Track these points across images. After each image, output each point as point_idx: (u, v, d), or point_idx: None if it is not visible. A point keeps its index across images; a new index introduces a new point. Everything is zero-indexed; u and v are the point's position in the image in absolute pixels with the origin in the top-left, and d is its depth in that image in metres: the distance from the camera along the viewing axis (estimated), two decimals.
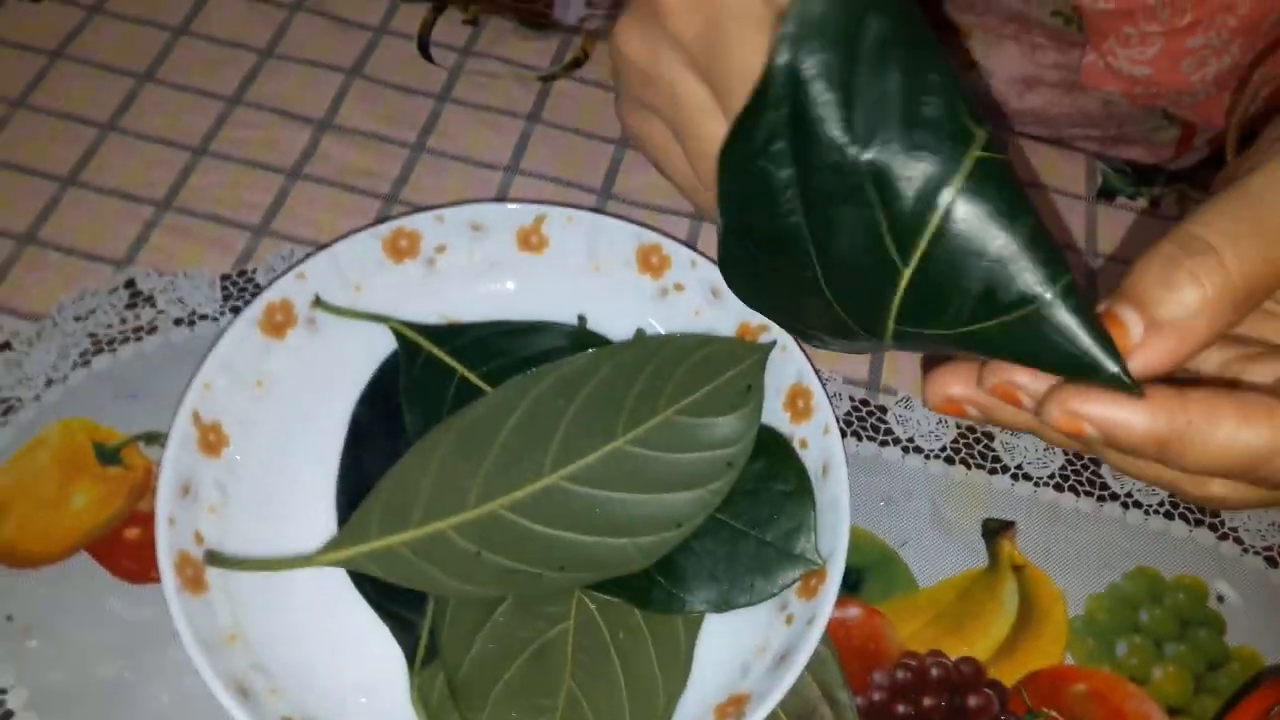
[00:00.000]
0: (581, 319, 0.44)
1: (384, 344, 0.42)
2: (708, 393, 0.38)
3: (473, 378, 0.41)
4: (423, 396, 0.40)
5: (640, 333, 0.44)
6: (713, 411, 0.38)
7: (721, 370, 0.39)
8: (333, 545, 0.36)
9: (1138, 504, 0.43)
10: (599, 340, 0.43)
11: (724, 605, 0.37)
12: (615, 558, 0.36)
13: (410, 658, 0.37)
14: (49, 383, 0.42)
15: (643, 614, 0.37)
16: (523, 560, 0.35)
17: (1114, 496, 0.43)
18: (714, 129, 0.31)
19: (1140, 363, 0.24)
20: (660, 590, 0.37)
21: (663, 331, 0.44)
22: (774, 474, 0.39)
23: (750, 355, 0.40)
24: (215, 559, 0.36)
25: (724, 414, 0.38)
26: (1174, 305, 0.23)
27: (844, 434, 0.43)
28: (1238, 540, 0.43)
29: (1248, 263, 0.23)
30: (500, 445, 0.37)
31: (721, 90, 0.30)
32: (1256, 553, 0.42)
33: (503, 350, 0.42)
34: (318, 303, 0.41)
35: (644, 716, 0.35)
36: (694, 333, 0.43)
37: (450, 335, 0.42)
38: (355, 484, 0.39)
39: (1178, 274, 0.23)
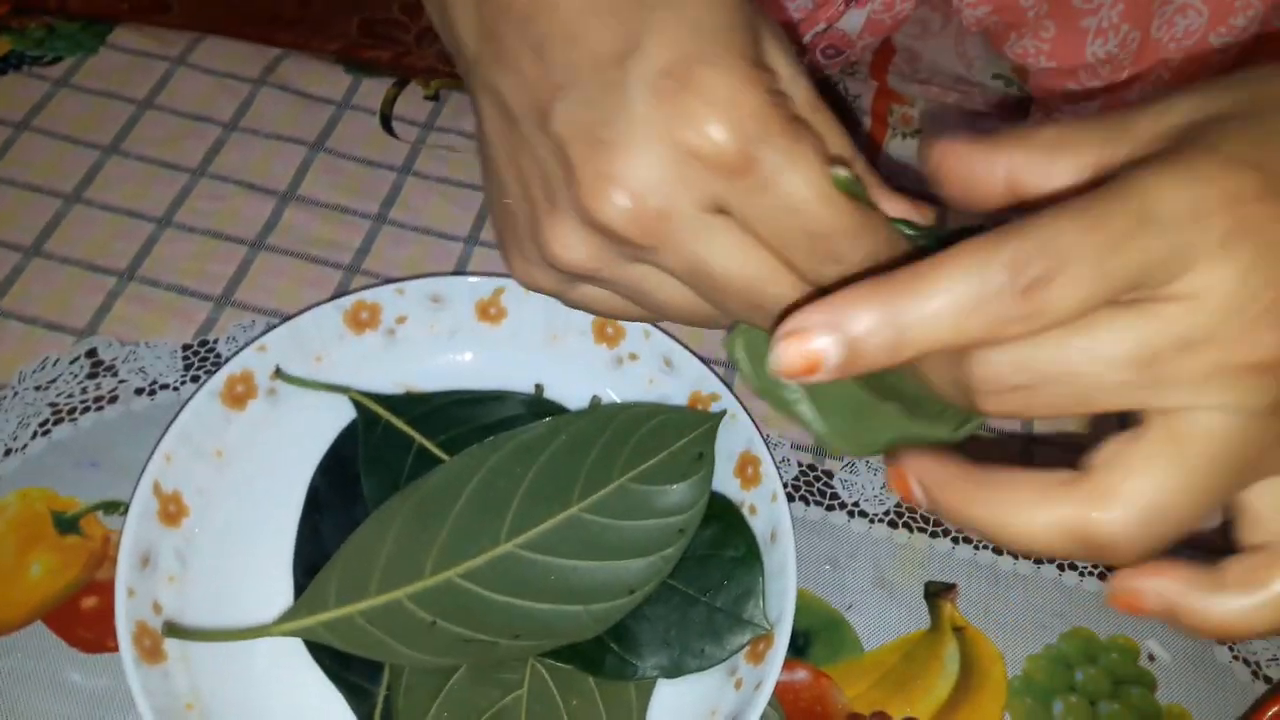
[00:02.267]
0: (539, 388, 0.45)
1: (343, 414, 0.43)
2: (660, 460, 0.40)
3: (431, 446, 0.42)
4: (381, 465, 0.41)
5: (596, 401, 0.45)
6: (665, 479, 0.39)
7: (674, 438, 0.40)
8: (290, 615, 0.36)
9: (1073, 566, 0.45)
10: (556, 409, 0.44)
11: (675, 671, 0.38)
12: (569, 624, 0.37)
13: None
14: (8, 452, 0.43)
15: (595, 680, 0.38)
16: (478, 628, 0.36)
17: (1051, 559, 0.45)
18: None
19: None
20: (613, 657, 0.38)
21: (618, 399, 0.45)
22: (724, 541, 0.40)
23: (702, 424, 0.41)
24: (173, 630, 0.37)
25: (676, 481, 0.39)
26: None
27: (791, 498, 0.45)
28: None
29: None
30: (457, 513, 0.38)
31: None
32: None
33: (461, 419, 0.43)
34: (278, 373, 0.42)
35: None
36: (648, 402, 0.44)
37: (409, 404, 0.43)
38: (313, 553, 0.40)
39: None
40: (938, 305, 0.21)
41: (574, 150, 0.27)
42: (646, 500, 0.39)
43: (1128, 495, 0.22)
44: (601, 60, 0.26)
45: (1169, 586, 0.24)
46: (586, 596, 0.37)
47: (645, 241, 0.27)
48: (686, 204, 0.26)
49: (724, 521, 0.41)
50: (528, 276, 0.31)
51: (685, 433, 0.41)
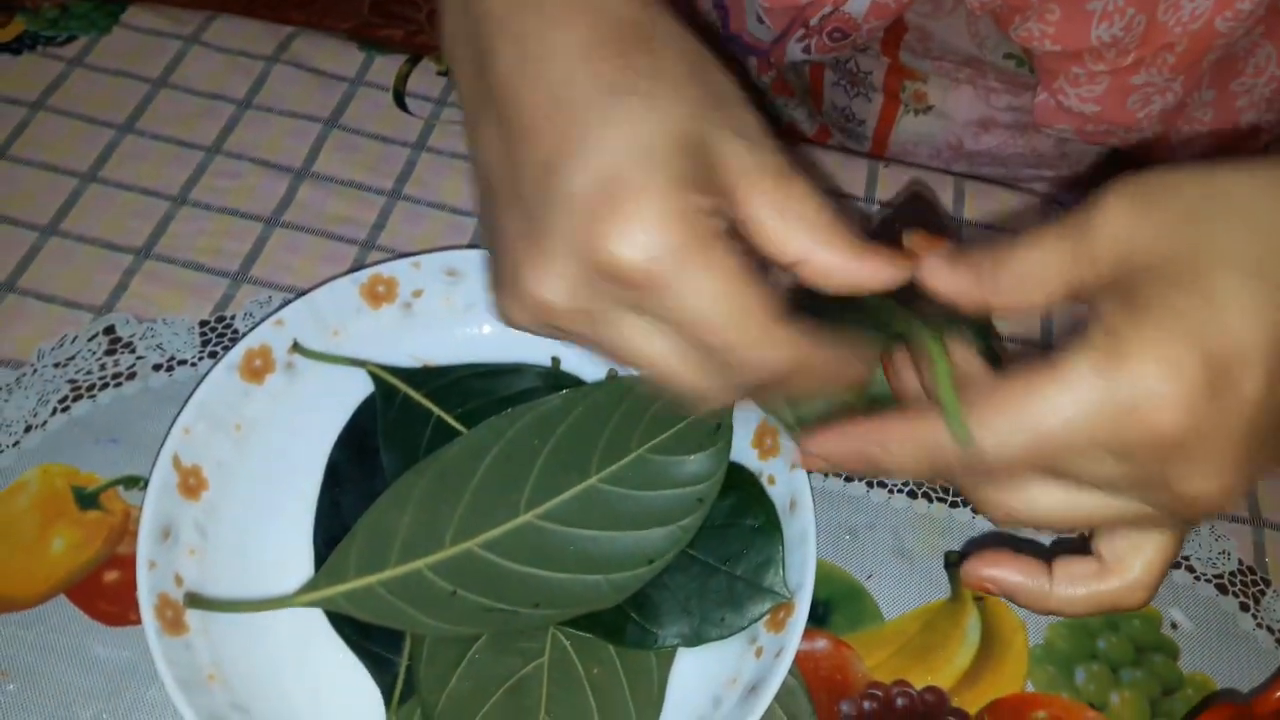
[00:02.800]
0: (556, 360, 0.45)
1: (361, 388, 0.43)
2: (678, 431, 0.40)
3: (449, 419, 0.42)
4: (400, 438, 0.41)
5: (613, 373, 0.45)
6: (683, 450, 0.39)
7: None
8: (310, 586, 0.37)
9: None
10: (573, 381, 0.44)
11: (695, 639, 0.38)
12: (589, 594, 0.37)
13: (387, 695, 0.37)
14: (28, 429, 0.43)
15: (616, 649, 0.38)
16: (498, 598, 0.36)
17: (1069, 537, 0.44)
18: None
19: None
20: (634, 626, 0.38)
21: (635, 370, 0.45)
22: (744, 510, 0.40)
23: None
24: (195, 601, 0.37)
25: (694, 452, 0.39)
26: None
27: (810, 470, 0.45)
28: (1190, 569, 0.44)
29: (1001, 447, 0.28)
30: (476, 485, 0.38)
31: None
32: (1208, 580, 0.44)
33: (478, 392, 0.43)
34: (296, 347, 0.42)
35: None
36: None
37: (427, 378, 0.43)
38: (333, 525, 0.40)
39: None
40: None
41: (509, 243, 0.29)
42: (665, 471, 0.39)
43: (1146, 581, 0.31)
44: (540, 165, 0.28)
45: (1010, 577, 0.32)
46: (606, 566, 0.37)
47: (569, 327, 0.29)
48: (601, 305, 0.28)
49: (743, 491, 0.41)
50: (502, 312, 0.32)
51: None
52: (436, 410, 0.42)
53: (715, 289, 0.27)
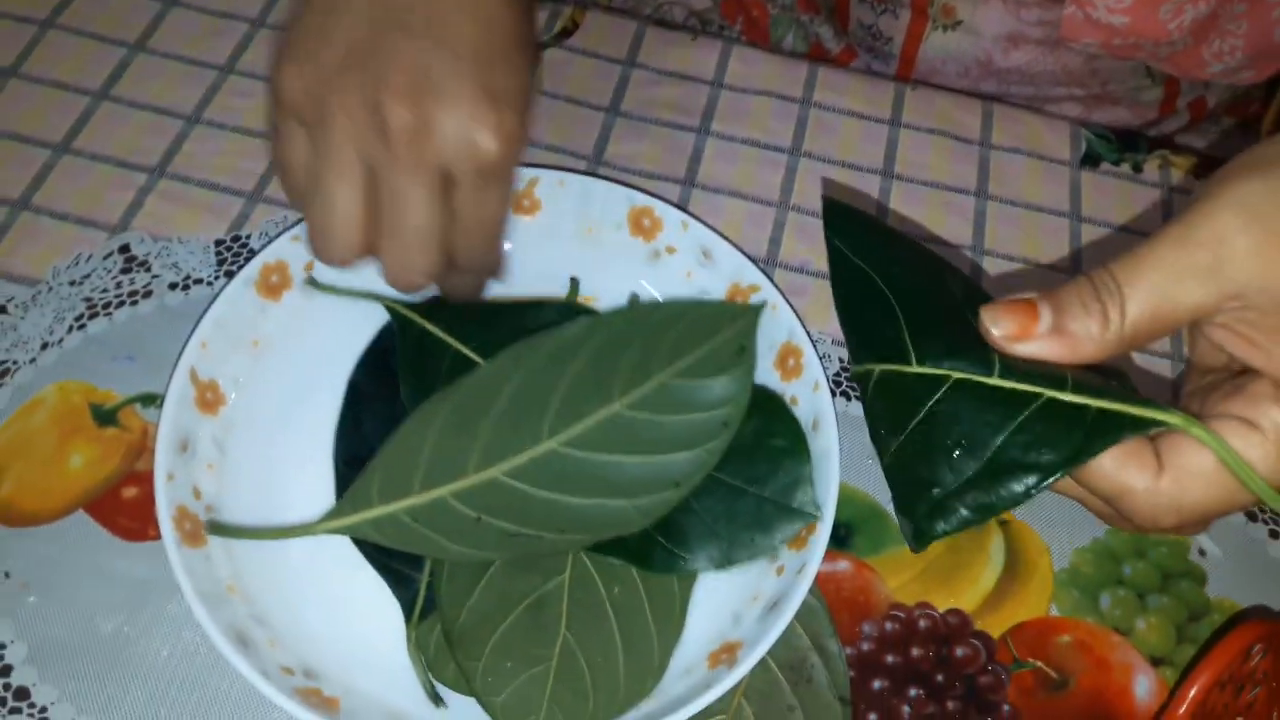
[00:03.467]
0: (574, 281, 0.44)
1: (382, 310, 0.42)
2: (701, 355, 0.39)
3: (467, 351, 0.41)
4: (417, 370, 0.41)
5: (634, 298, 0.44)
6: (707, 373, 0.38)
7: (714, 332, 0.39)
8: (334, 513, 0.36)
9: None
10: (590, 314, 0.43)
11: (725, 562, 0.37)
12: (615, 519, 0.36)
13: (408, 612, 0.37)
14: (45, 346, 0.43)
15: (639, 569, 0.37)
16: (523, 524, 0.36)
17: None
18: None
19: (1032, 349, 0.32)
20: (661, 551, 0.37)
21: (655, 293, 0.44)
22: (770, 431, 0.39)
23: (742, 317, 0.40)
24: (218, 529, 0.37)
25: (717, 375, 0.38)
26: (1079, 324, 0.31)
27: (833, 393, 0.44)
28: None
29: (1140, 319, 0.31)
30: (498, 412, 0.37)
31: None
32: None
33: (496, 325, 0.42)
34: (311, 281, 0.42)
35: (639, 669, 0.36)
36: (686, 297, 0.43)
37: (443, 311, 0.42)
38: (353, 444, 0.40)
39: (1093, 304, 0.31)
40: None
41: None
42: (688, 395, 0.38)
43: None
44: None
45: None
46: (631, 491, 0.37)
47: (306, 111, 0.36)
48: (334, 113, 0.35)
49: (768, 412, 0.40)
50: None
51: (726, 326, 0.39)
52: (454, 343, 0.41)
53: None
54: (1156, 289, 0.30)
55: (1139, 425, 0.30)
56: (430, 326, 0.41)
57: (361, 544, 0.38)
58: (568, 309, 0.43)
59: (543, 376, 0.38)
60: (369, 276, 0.42)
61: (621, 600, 0.37)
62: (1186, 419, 0.30)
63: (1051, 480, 0.30)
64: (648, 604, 0.37)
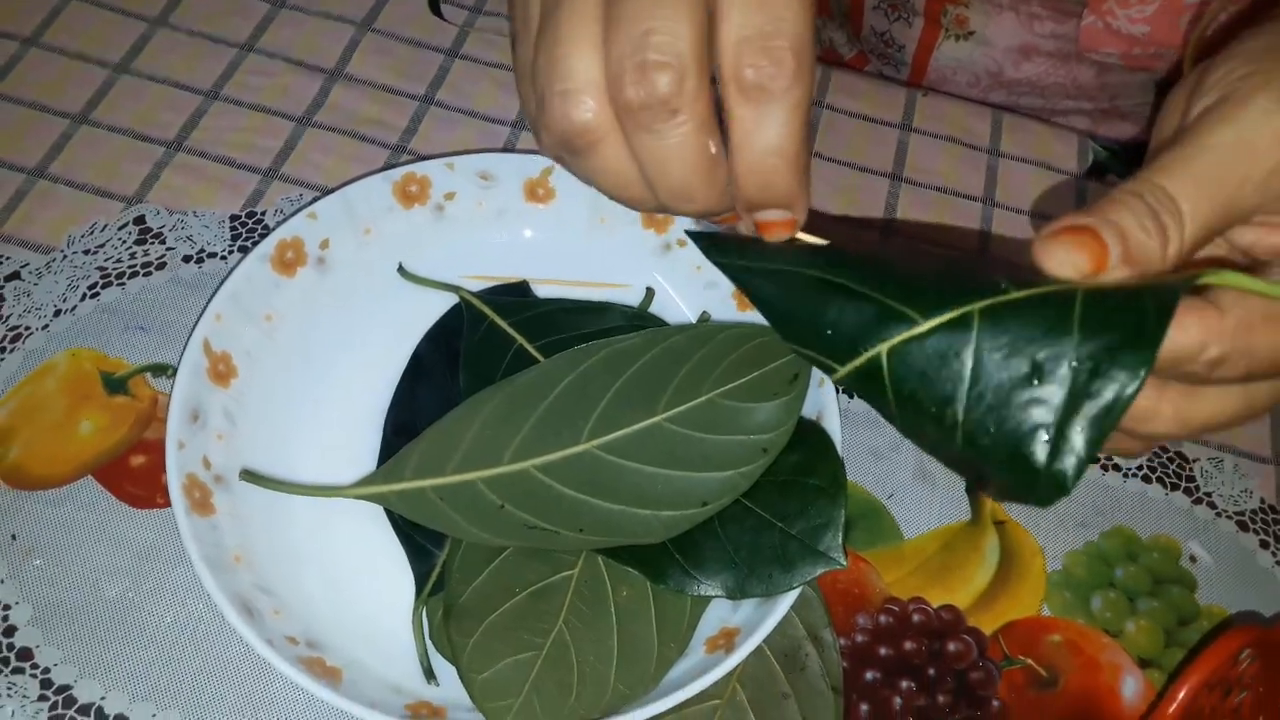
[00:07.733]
0: (650, 291, 0.45)
1: (394, 291, 0.43)
2: (753, 379, 0.38)
3: (530, 348, 0.41)
4: (480, 360, 0.41)
5: (705, 317, 0.44)
6: (756, 397, 0.37)
7: (771, 359, 0.38)
8: (367, 480, 0.37)
9: (1117, 467, 0.45)
10: (658, 322, 0.44)
11: (738, 593, 0.36)
12: (636, 527, 0.36)
13: (420, 584, 0.37)
14: (58, 313, 0.43)
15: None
16: (544, 518, 0.36)
17: (1095, 459, 0.44)
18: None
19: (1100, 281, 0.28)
20: (677, 568, 0.37)
21: (667, 286, 0.45)
22: (809, 468, 0.38)
23: None
24: (251, 477, 0.37)
25: (766, 400, 0.37)
26: (1142, 250, 0.28)
27: (837, 390, 0.45)
28: (1211, 504, 0.44)
29: (1197, 236, 0.28)
30: (544, 410, 0.37)
31: None
32: (1229, 517, 0.44)
33: (563, 326, 0.42)
34: (402, 271, 0.43)
35: (631, 675, 0.35)
36: (753, 323, 0.40)
37: (515, 309, 0.43)
38: (405, 415, 0.41)
39: (1151, 224, 0.28)
40: None
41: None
42: (733, 416, 0.37)
43: None
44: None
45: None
46: (658, 503, 0.36)
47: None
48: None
49: (811, 448, 0.39)
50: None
51: (783, 353, 0.38)
52: (520, 339, 0.42)
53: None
54: (1219, 206, 0.28)
55: (1185, 283, 0.27)
56: (499, 321, 0.42)
57: (391, 514, 0.39)
58: (637, 316, 0.44)
59: (595, 380, 0.37)
60: (383, 242, 0.43)
61: (628, 605, 0.37)
62: (1224, 272, 0.28)
63: (1146, 372, 0.26)
64: (654, 615, 0.37)
